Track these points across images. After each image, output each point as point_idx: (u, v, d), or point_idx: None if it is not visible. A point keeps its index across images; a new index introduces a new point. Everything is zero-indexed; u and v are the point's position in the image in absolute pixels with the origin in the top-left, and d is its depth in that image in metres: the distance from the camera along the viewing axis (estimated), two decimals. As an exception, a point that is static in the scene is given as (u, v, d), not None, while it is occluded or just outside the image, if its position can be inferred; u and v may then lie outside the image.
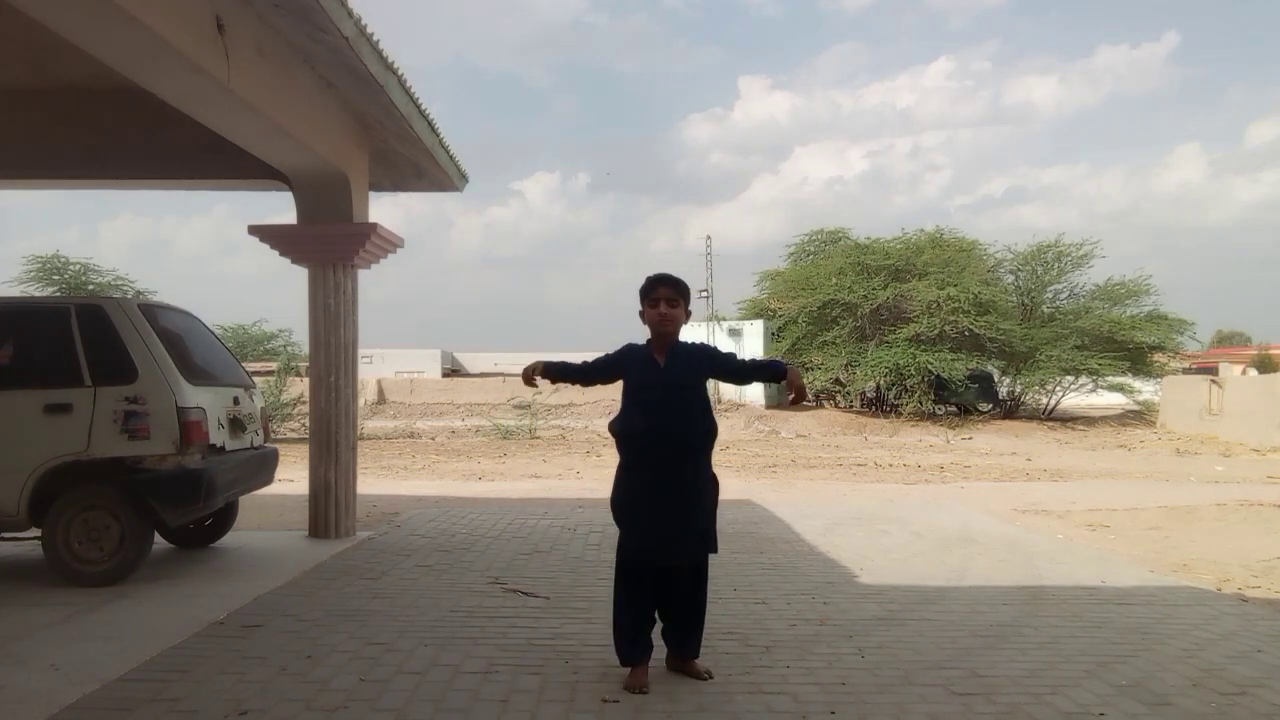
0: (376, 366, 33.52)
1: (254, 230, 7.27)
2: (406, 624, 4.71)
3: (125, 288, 24.03)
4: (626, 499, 3.83)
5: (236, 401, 6.37)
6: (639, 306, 3.93)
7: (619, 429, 3.88)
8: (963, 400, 24.41)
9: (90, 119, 7.11)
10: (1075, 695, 3.69)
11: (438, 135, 7.36)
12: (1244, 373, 28.85)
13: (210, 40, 4.72)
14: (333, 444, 7.25)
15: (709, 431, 3.88)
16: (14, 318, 5.94)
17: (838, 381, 24.99)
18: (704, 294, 36.57)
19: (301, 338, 22.57)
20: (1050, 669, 4.02)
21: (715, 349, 4.09)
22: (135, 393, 5.51)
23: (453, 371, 38.56)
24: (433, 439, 20.04)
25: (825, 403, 27.70)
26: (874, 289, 23.94)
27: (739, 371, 4.04)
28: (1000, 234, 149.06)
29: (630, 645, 3.80)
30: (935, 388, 23.42)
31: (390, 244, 7.67)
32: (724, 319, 29.98)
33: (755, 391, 26.63)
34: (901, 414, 23.52)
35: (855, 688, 3.77)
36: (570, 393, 24.59)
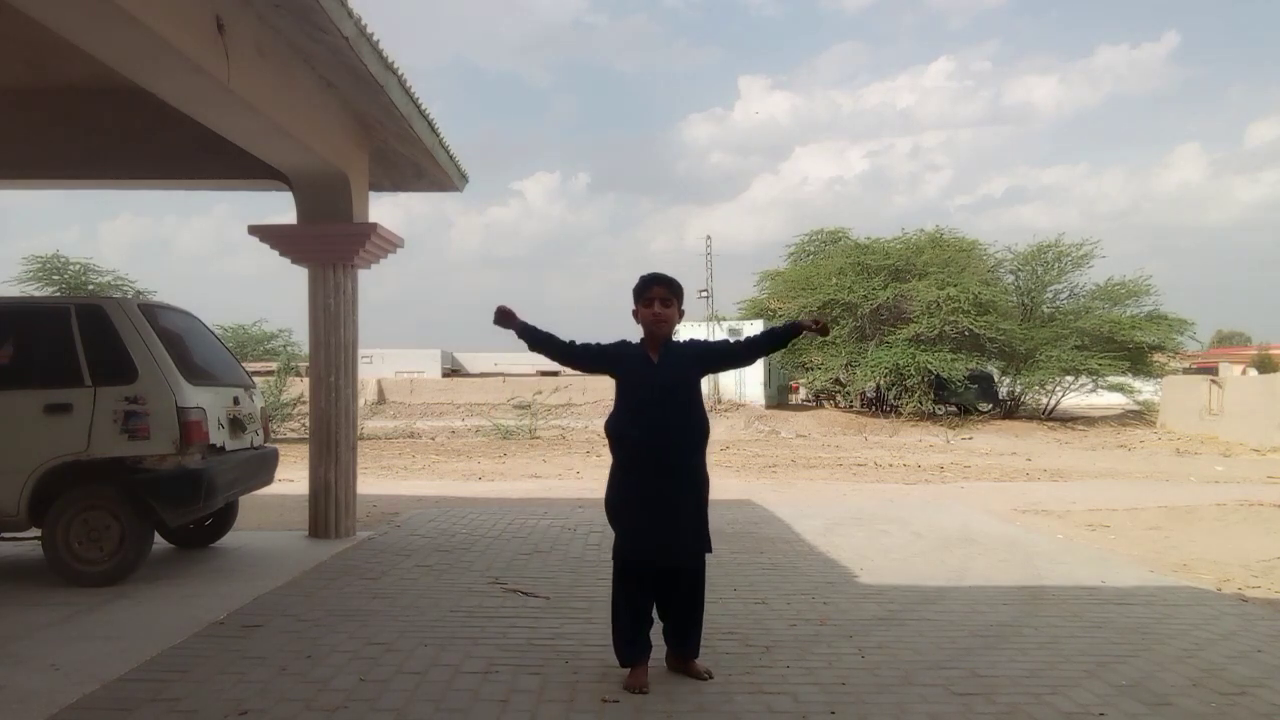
0: (376, 366, 33.54)
1: (254, 230, 7.27)
2: (406, 624, 4.71)
3: (125, 288, 24.04)
4: (622, 499, 3.82)
5: (236, 401, 6.37)
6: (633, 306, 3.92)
7: (613, 429, 3.88)
8: (963, 400, 24.42)
9: (90, 119, 7.11)
10: (1075, 695, 3.68)
11: (438, 135, 7.36)
12: (1244, 373, 28.84)
13: (210, 40, 4.72)
14: (333, 444, 7.25)
15: (703, 430, 3.88)
16: (14, 318, 5.94)
17: (838, 381, 25.00)
18: (704, 294, 36.59)
19: (301, 338, 22.57)
20: (1050, 669, 4.01)
21: (706, 341, 4.07)
22: (135, 393, 5.51)
23: (453, 371, 38.57)
24: (433, 439, 20.04)
25: (825, 403, 27.72)
26: (874, 289, 23.95)
27: (739, 353, 3.98)
28: (1000, 234, 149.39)
29: (629, 645, 3.80)
30: (935, 388, 23.43)
31: (390, 244, 7.67)
32: (724, 319, 29.99)
33: (755, 391, 26.66)
34: (901, 414, 23.53)
35: (855, 688, 3.77)
36: (570, 392, 24.65)
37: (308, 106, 6.23)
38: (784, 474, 13.32)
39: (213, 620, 4.78)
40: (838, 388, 25.94)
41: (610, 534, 3.92)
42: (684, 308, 3.95)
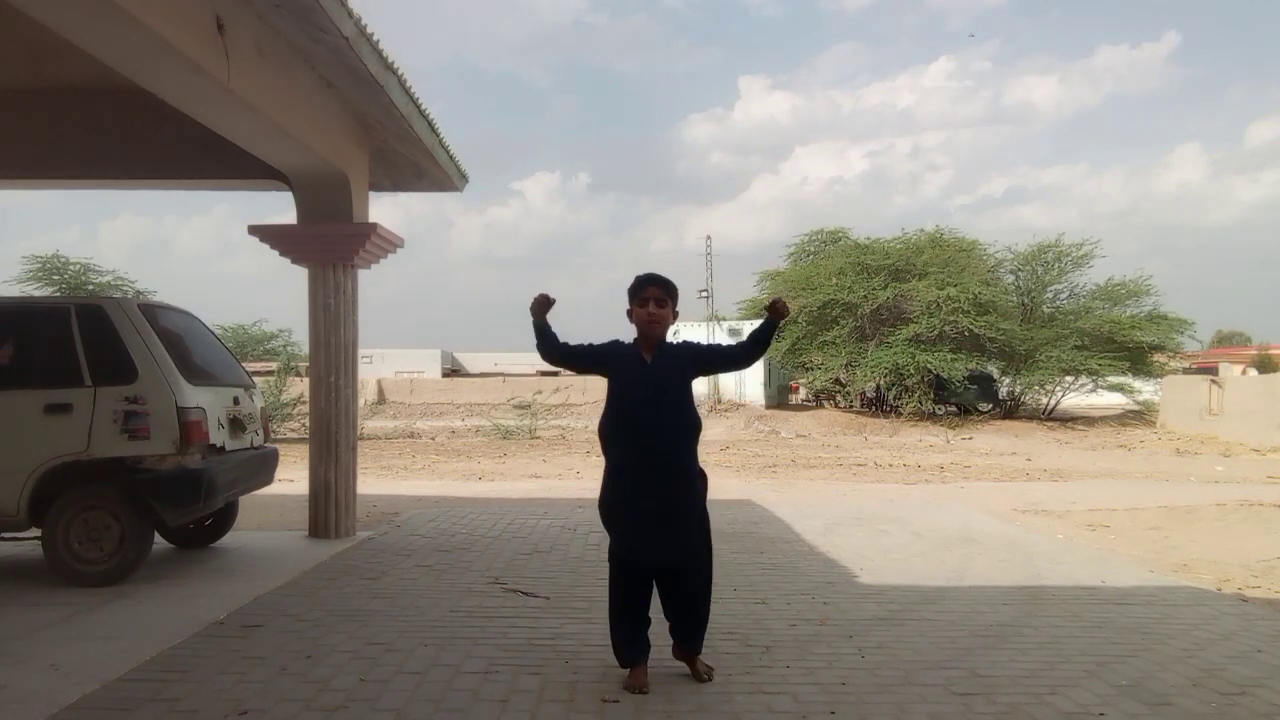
0: (376, 366, 33.56)
1: (254, 230, 7.27)
2: (406, 624, 4.71)
3: (125, 288, 24.04)
4: (615, 500, 3.81)
5: (236, 401, 6.37)
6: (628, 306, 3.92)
7: (606, 429, 3.88)
8: (963, 400, 24.42)
9: (90, 119, 7.11)
10: (1075, 695, 3.69)
11: (438, 135, 7.36)
12: (1244, 373, 28.84)
13: (210, 40, 4.72)
14: (333, 444, 7.25)
15: (694, 428, 3.87)
16: (14, 318, 5.94)
17: (838, 381, 25.00)
18: (704, 294, 36.61)
19: (301, 338, 22.55)
20: (1050, 669, 4.01)
21: (700, 344, 4.07)
22: (135, 393, 5.51)
23: (453, 371, 38.59)
24: (433, 439, 20.04)
25: (825, 403, 27.73)
26: (874, 289, 23.95)
27: (734, 356, 3.98)
28: (1000, 234, 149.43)
29: (628, 646, 3.79)
30: (935, 388, 23.43)
31: (390, 244, 7.67)
32: (724, 319, 30.00)
33: (755, 391, 26.67)
34: (901, 414, 23.53)
35: (855, 688, 3.77)
36: (570, 392, 24.67)
37: (308, 106, 6.23)
38: (784, 474, 13.32)
39: (213, 620, 4.78)
40: (838, 388, 25.94)
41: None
42: (679, 309, 3.95)
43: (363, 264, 7.51)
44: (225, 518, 6.91)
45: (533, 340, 3.95)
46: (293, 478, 9.44)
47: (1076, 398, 25.40)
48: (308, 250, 7.24)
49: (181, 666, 4.02)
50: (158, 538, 6.12)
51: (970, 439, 20.35)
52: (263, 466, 6.79)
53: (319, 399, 7.28)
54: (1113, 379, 24.03)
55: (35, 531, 5.66)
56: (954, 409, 24.87)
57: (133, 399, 5.50)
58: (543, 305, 3.90)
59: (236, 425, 6.29)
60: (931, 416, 23.60)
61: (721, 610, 4.78)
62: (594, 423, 4.24)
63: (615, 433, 3.83)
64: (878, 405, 25.50)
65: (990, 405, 25.00)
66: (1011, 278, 26.40)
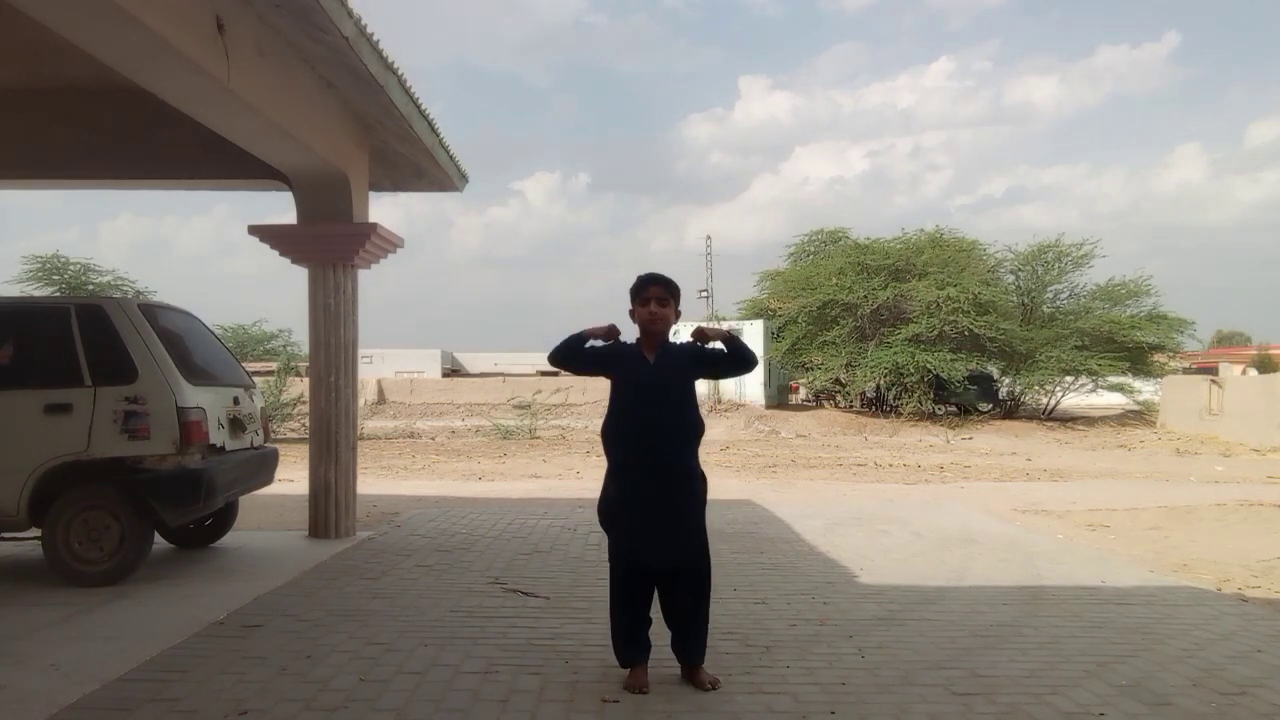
0: (376, 366, 33.55)
1: (254, 230, 7.27)
2: (406, 624, 4.71)
3: (125, 288, 24.03)
4: (617, 501, 3.81)
5: (236, 401, 6.37)
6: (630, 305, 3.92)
7: (608, 429, 3.88)
8: (962, 400, 24.40)
9: (90, 119, 7.11)
10: (1075, 695, 3.69)
11: (438, 135, 7.36)
12: (1244, 373, 28.83)
13: (210, 40, 4.72)
14: (333, 444, 7.25)
15: (697, 428, 3.87)
16: (14, 318, 5.94)
17: (838, 381, 24.98)
18: (704, 294, 36.64)
19: (301, 338, 22.57)
20: (1050, 669, 4.01)
21: (701, 346, 4.09)
22: (135, 393, 5.51)
23: (453, 371, 38.58)
24: (433, 439, 20.03)
25: (825, 403, 27.72)
26: (874, 289, 23.93)
27: (727, 364, 3.99)
28: (1000, 234, 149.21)
29: (628, 646, 3.79)
30: (935, 388, 23.42)
31: (390, 244, 7.67)
32: (724, 319, 29.97)
33: (755, 391, 26.65)
34: (901, 414, 23.51)
35: (855, 688, 3.77)
36: (570, 393, 24.65)
37: (308, 106, 6.23)
38: (784, 474, 13.32)
39: (213, 620, 4.78)
40: (838, 388, 25.91)
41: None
42: (680, 308, 3.96)
43: (363, 264, 7.51)
44: (225, 518, 6.91)
45: (534, 342, 3.96)
46: (293, 478, 9.44)
47: (1076, 398, 25.38)
48: (308, 250, 7.24)
49: (181, 666, 4.02)
50: (158, 538, 6.13)
51: (970, 439, 20.35)
52: (263, 466, 6.79)
53: (319, 399, 7.28)
54: (1113, 379, 24.00)
55: (35, 531, 5.66)
56: (954, 409, 24.85)
57: (133, 399, 5.50)
58: (608, 335, 3.89)
59: (236, 425, 6.29)
60: (931, 416, 23.59)
61: (721, 610, 4.77)
62: (594, 423, 4.25)
63: (618, 433, 3.83)
64: (878, 405, 25.49)
65: (990, 405, 24.98)
66: (1011, 278, 26.38)
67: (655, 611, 3.87)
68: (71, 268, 24.92)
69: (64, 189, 12.14)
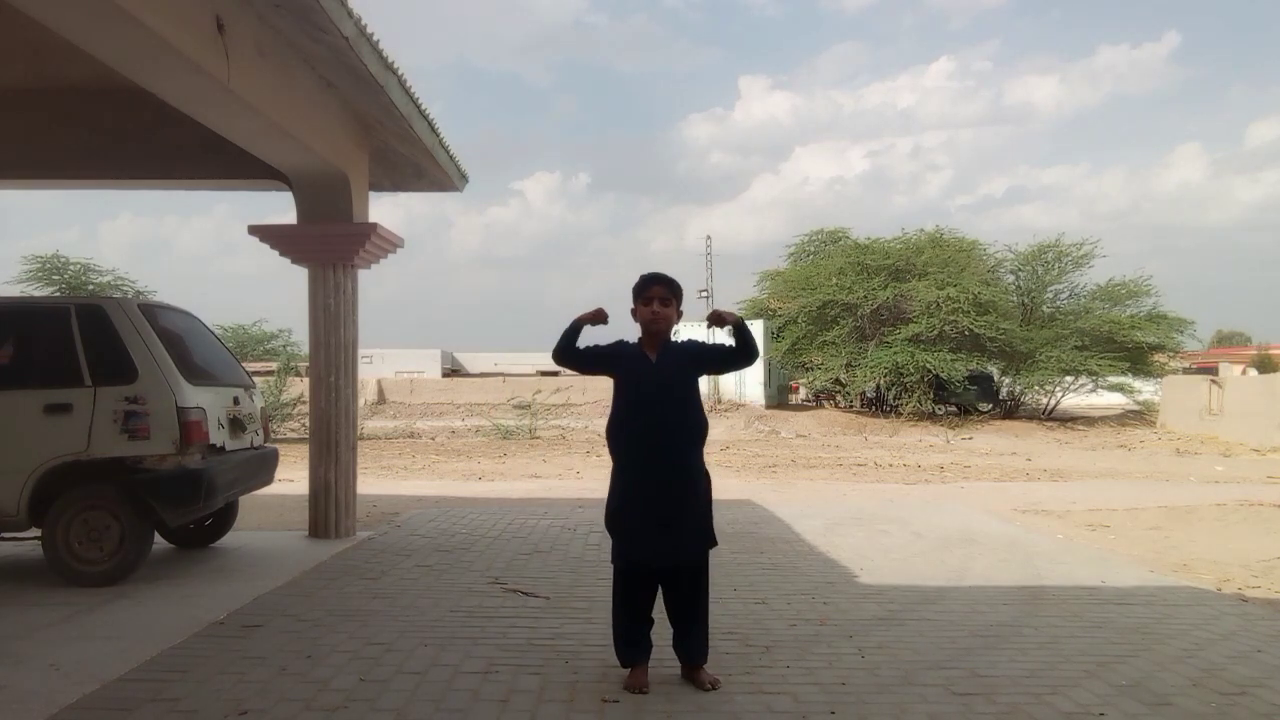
0: (376, 366, 33.54)
1: (254, 230, 7.27)
2: (406, 624, 4.71)
3: (125, 288, 24.05)
4: (623, 501, 3.81)
5: (236, 401, 6.37)
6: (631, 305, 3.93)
7: (612, 428, 3.88)
8: (962, 400, 24.40)
9: (90, 119, 7.11)
10: (1075, 695, 3.69)
11: (438, 135, 7.36)
12: (1244, 373, 28.84)
13: (210, 40, 4.72)
14: (333, 444, 7.25)
15: (701, 427, 3.88)
16: (14, 318, 5.94)
17: (838, 381, 24.97)
18: (704, 294, 36.66)
19: (301, 338, 22.55)
20: (1050, 669, 4.01)
21: (703, 342, 4.09)
22: (135, 393, 5.51)
23: (453, 371, 38.57)
24: (433, 439, 20.03)
25: (825, 403, 27.72)
26: (874, 289, 23.93)
27: (728, 356, 3.98)
28: (1000, 234, 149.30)
29: (630, 646, 3.79)
30: (935, 388, 23.42)
31: (390, 244, 7.67)
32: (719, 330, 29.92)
33: (755, 391, 26.65)
34: (901, 414, 23.51)
35: (855, 688, 3.77)
36: (570, 393, 24.63)
37: (308, 106, 6.23)
38: (784, 474, 13.32)
39: (213, 620, 4.78)
40: (838, 388, 25.91)
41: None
42: (682, 308, 3.96)
43: (363, 264, 7.51)
44: (225, 518, 6.91)
45: (534, 342, 3.97)
46: (293, 478, 9.44)
47: (1076, 398, 25.37)
48: (308, 250, 7.24)
49: (181, 666, 4.02)
50: (158, 538, 6.13)
51: (970, 439, 20.35)
52: (263, 466, 6.79)
53: (319, 399, 7.28)
54: (1113, 379, 24.00)
55: (35, 531, 5.66)
56: (954, 409, 24.85)
57: (133, 399, 5.50)
58: (596, 318, 3.91)
59: (236, 425, 6.29)
60: (931, 416, 23.59)
61: (721, 610, 4.78)
62: (594, 423, 4.27)
63: (622, 432, 3.84)
64: (878, 405, 25.49)
65: (990, 405, 24.98)
66: (1011, 278, 26.38)
67: (657, 612, 3.87)
68: (71, 268, 24.95)
69: (64, 189, 12.14)
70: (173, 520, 5.81)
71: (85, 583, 5.48)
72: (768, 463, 14.99)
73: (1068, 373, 23.64)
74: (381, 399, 29.04)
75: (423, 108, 6.76)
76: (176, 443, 5.52)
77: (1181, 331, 25.02)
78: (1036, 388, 24.62)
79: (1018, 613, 4.99)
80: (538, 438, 19.74)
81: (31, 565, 6.10)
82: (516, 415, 20.93)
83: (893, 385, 23.66)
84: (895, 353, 22.91)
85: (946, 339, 23.15)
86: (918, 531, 7.62)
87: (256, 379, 8.10)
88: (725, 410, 24.62)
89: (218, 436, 5.94)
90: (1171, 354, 26.23)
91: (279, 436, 14.58)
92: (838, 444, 19.29)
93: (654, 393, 3.80)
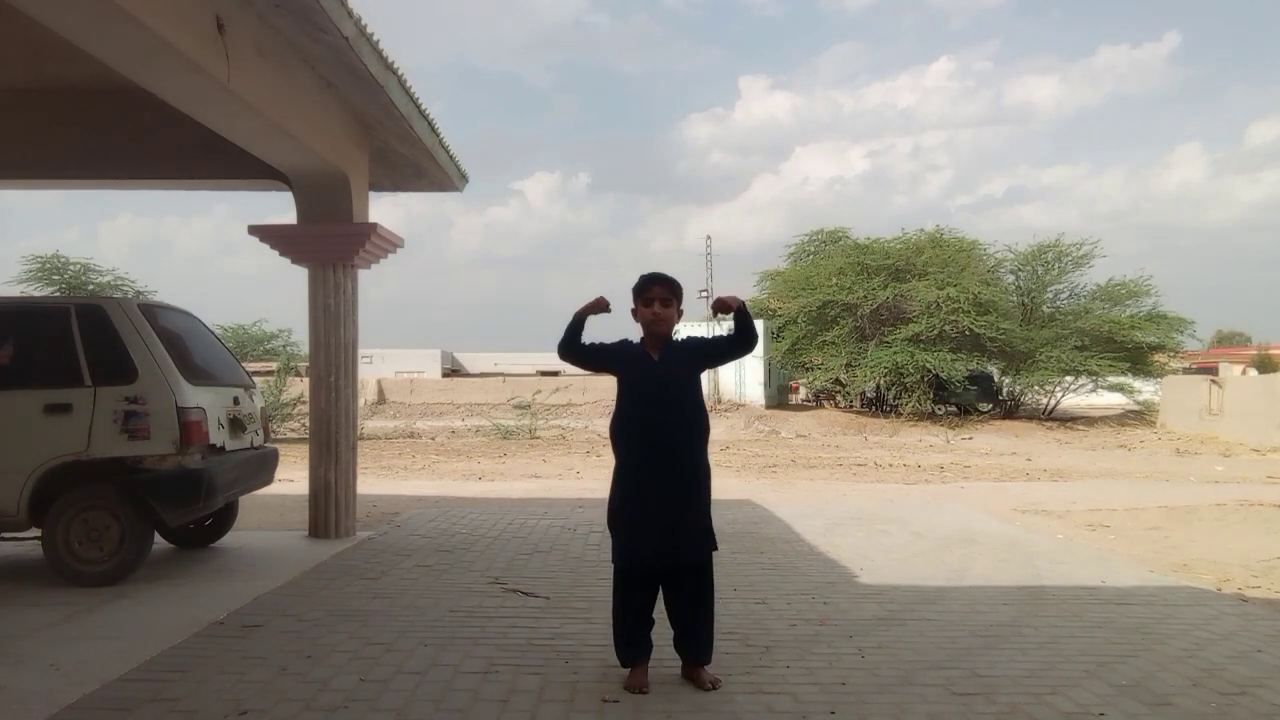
0: (376, 366, 33.53)
1: (254, 230, 7.27)
2: (406, 624, 4.71)
3: (125, 288, 24.06)
4: (626, 499, 3.81)
5: (236, 401, 6.37)
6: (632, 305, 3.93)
7: (616, 427, 3.90)
8: (962, 400, 24.40)
9: (90, 119, 7.11)
10: (1075, 695, 3.69)
11: (438, 135, 7.36)
12: (1244, 373, 28.83)
13: (210, 40, 4.72)
14: (333, 444, 7.25)
15: (703, 425, 3.90)
16: (14, 318, 5.94)
17: (838, 381, 24.97)
18: (704, 294, 36.64)
19: (301, 338, 22.58)
20: (1050, 669, 4.01)
21: (704, 338, 4.10)
22: (135, 393, 5.51)
23: (453, 371, 38.55)
24: (433, 439, 20.03)
25: (825, 403, 27.72)
26: (874, 289, 23.93)
27: (729, 344, 4.00)
28: (1001, 234, 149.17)
29: (630, 647, 3.79)
30: (935, 388, 23.42)
31: (390, 244, 7.67)
32: (724, 318, 29.95)
33: (755, 391, 26.65)
34: (901, 414, 23.51)
35: (855, 688, 3.77)
36: (570, 393, 24.63)
37: (308, 106, 6.23)
38: (784, 474, 13.32)
39: (213, 620, 4.78)
40: (838, 388, 25.91)
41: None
42: (683, 308, 3.97)
43: (363, 264, 7.51)
44: (225, 518, 6.91)
45: (534, 342, 3.98)
46: (293, 478, 9.44)
47: (1076, 398, 25.37)
48: (308, 250, 7.24)
49: (181, 666, 4.02)
50: (158, 538, 6.13)
51: (970, 439, 20.35)
52: (263, 466, 6.79)
53: (319, 399, 7.28)
54: (1113, 379, 24.00)
55: (35, 531, 5.66)
56: (954, 409, 24.85)
57: (133, 399, 5.50)
58: (597, 306, 3.92)
59: (236, 425, 6.29)
60: (931, 416, 23.59)
61: (721, 610, 4.76)
62: (594, 423, 4.28)
63: (625, 430, 3.86)
64: (878, 405, 25.49)
65: (990, 405, 24.99)
66: (1011, 278, 26.37)
67: (657, 612, 3.87)
68: (71, 268, 24.96)
69: (64, 189, 12.15)
70: (173, 520, 5.81)
71: (85, 583, 5.48)
72: (768, 463, 14.99)
73: (1068, 373, 23.64)
74: (381, 399, 29.03)
75: (423, 108, 6.76)
76: (176, 443, 5.52)
77: (1181, 331, 25.03)
78: (1036, 388, 24.62)
79: (1018, 613, 4.99)
80: (538, 438, 19.74)
81: (31, 565, 6.10)
82: (516, 415, 20.93)
83: (893, 385, 23.66)
84: (895, 353, 22.91)
85: (946, 339, 23.15)
86: (918, 531, 7.62)
87: (256, 379, 8.10)
88: (725, 410, 24.62)
89: (218, 436, 5.94)
90: (1171, 354, 26.21)
91: (279, 436, 14.58)
92: (838, 444, 19.29)
93: (656, 391, 3.82)
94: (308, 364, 7.64)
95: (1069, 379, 24.28)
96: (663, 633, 3.89)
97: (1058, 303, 25.96)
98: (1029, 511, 9.11)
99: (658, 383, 3.83)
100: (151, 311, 6.06)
